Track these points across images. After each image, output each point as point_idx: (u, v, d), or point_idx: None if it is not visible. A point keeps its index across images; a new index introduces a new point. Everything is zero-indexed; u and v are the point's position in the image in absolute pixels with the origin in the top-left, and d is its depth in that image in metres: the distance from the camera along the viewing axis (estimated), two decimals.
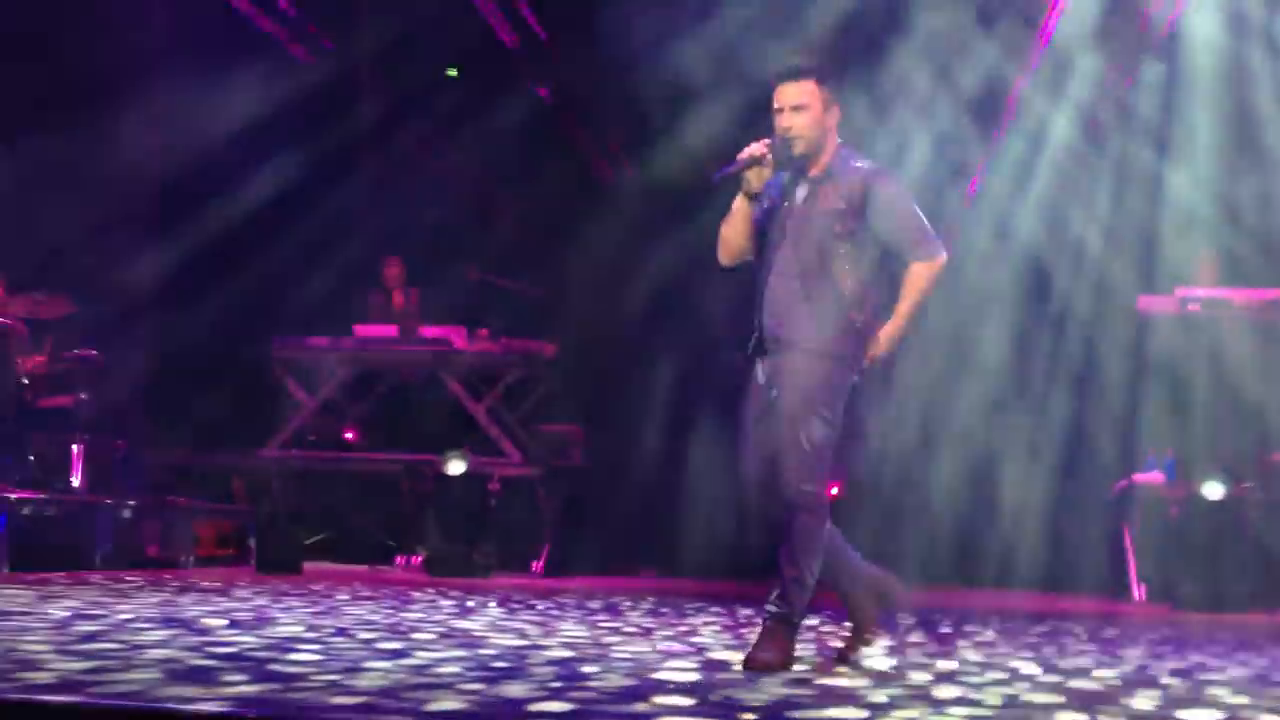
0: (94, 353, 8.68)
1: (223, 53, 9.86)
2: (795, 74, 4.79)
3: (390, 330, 9.81)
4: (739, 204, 4.84)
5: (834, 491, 10.23)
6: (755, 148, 4.74)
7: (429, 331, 9.78)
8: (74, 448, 8.45)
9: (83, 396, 8.57)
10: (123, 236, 9.68)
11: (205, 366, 9.92)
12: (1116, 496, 9.19)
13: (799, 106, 4.73)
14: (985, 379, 9.81)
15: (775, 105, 4.78)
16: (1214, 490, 8.53)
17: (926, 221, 4.79)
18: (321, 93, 10.35)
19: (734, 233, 4.88)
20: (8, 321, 8.37)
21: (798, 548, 4.63)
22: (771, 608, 4.69)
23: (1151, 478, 9.06)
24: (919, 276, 4.75)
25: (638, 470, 10.01)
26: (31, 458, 8.29)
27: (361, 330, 9.89)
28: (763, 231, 4.84)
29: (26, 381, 8.30)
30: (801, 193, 4.78)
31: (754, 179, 4.76)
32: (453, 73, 11.45)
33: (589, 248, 10.55)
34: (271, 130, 9.91)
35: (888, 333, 4.75)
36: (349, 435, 10.16)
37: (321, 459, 9.87)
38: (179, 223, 9.91)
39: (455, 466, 9.27)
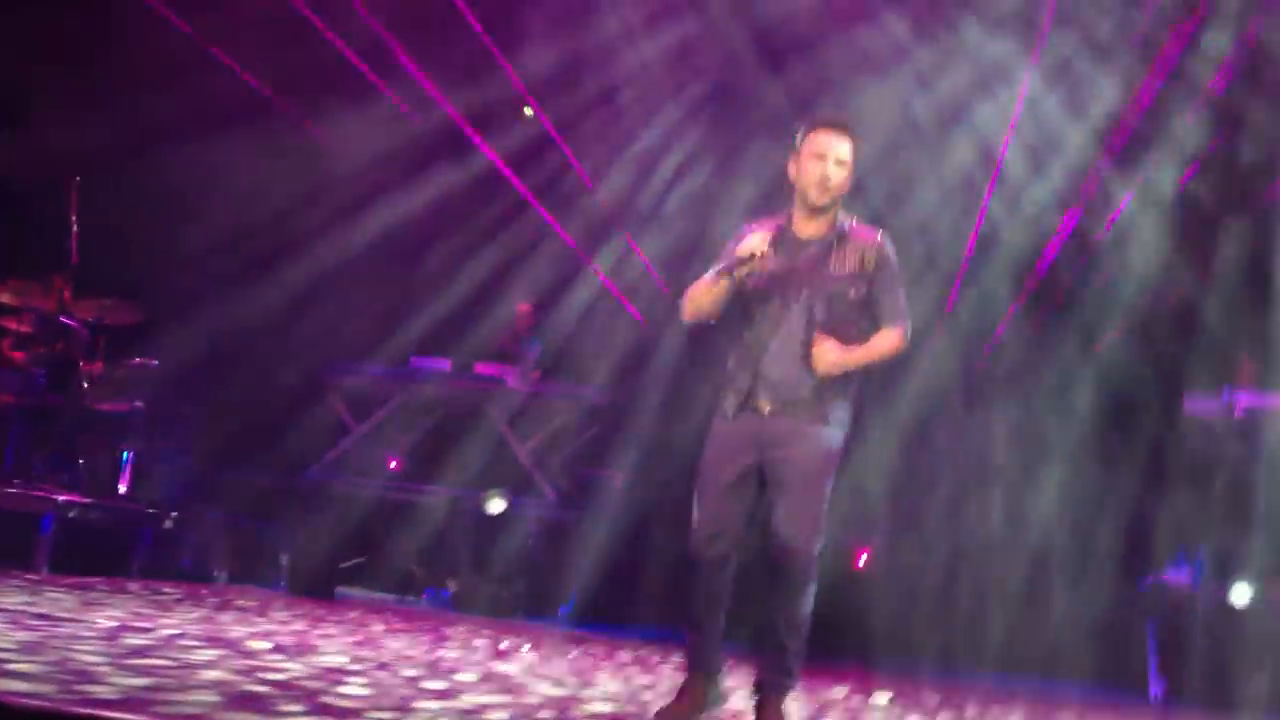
0: (154, 362, 8.77)
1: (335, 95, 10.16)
2: (848, 129, 4.72)
3: (443, 364, 9.87)
4: (724, 286, 4.63)
5: (862, 561, 10.29)
6: (759, 246, 4.57)
7: (482, 368, 9.84)
8: (124, 454, 8.54)
9: (138, 404, 8.67)
10: (209, 256, 9.85)
11: (261, 385, 10.02)
12: (1142, 592, 9.18)
13: (842, 162, 4.66)
14: (1053, 470, 9.87)
15: (818, 151, 4.65)
16: (1241, 594, 8.50)
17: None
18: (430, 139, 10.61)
19: (710, 305, 4.68)
20: (71, 324, 8.48)
21: (800, 613, 4.60)
22: (777, 679, 4.65)
23: (1179, 576, 9.03)
24: (890, 340, 4.68)
25: (668, 520, 10.03)
26: (82, 461, 8.37)
27: (416, 361, 9.97)
28: (756, 291, 4.67)
29: (85, 385, 8.39)
30: (811, 254, 4.67)
31: (747, 273, 4.62)
32: (529, 112, 11.59)
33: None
34: (380, 169, 10.19)
35: (841, 356, 4.60)
36: (393, 464, 10.22)
37: (363, 486, 9.92)
38: (269, 246, 10.14)
39: (494, 505, 9.32)
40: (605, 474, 10.27)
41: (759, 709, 4.70)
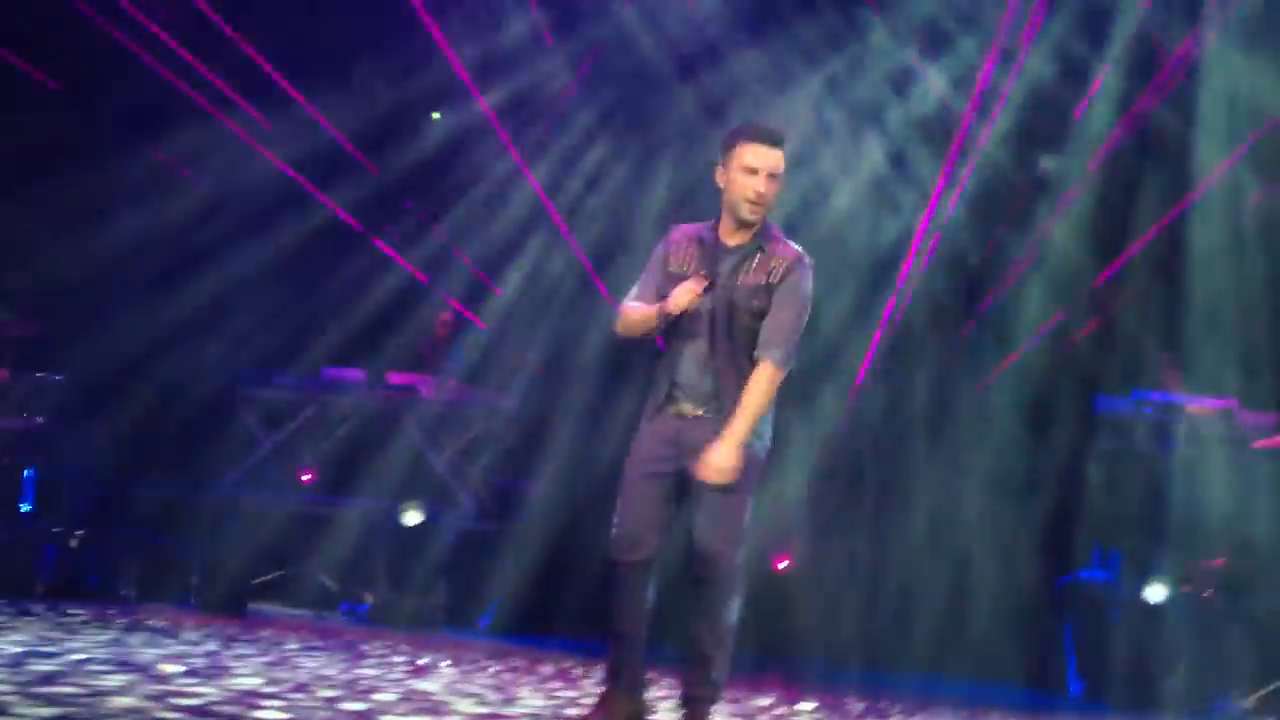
0: (57, 376, 8.55)
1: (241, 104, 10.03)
2: (779, 141, 4.63)
3: (357, 374, 9.71)
4: (657, 321, 4.62)
5: (783, 565, 10.28)
6: (691, 295, 4.54)
7: (396, 378, 9.70)
8: (25, 472, 8.30)
9: (39, 419, 8.44)
10: (113, 269, 9.65)
11: (166, 396, 9.81)
12: (1059, 592, 9.28)
13: (775, 175, 4.59)
14: (962, 469, 9.93)
15: (751, 164, 4.55)
16: (1156, 593, 8.60)
17: (799, 333, 4.64)
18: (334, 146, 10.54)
19: (642, 330, 4.68)
20: None
21: (725, 622, 4.56)
22: (702, 692, 4.61)
23: (1094, 575, 9.14)
24: (769, 379, 4.55)
25: (588, 530, 9.96)
26: None
27: (328, 371, 9.80)
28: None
29: None
30: (728, 263, 4.62)
31: (680, 307, 4.56)
32: (436, 116, 11.48)
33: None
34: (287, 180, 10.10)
35: (735, 441, 4.46)
36: (306, 477, 10.03)
37: (275, 499, 9.73)
38: (176, 258, 9.98)
39: (411, 517, 9.19)
40: (524, 483, 10.16)
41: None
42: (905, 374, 10.41)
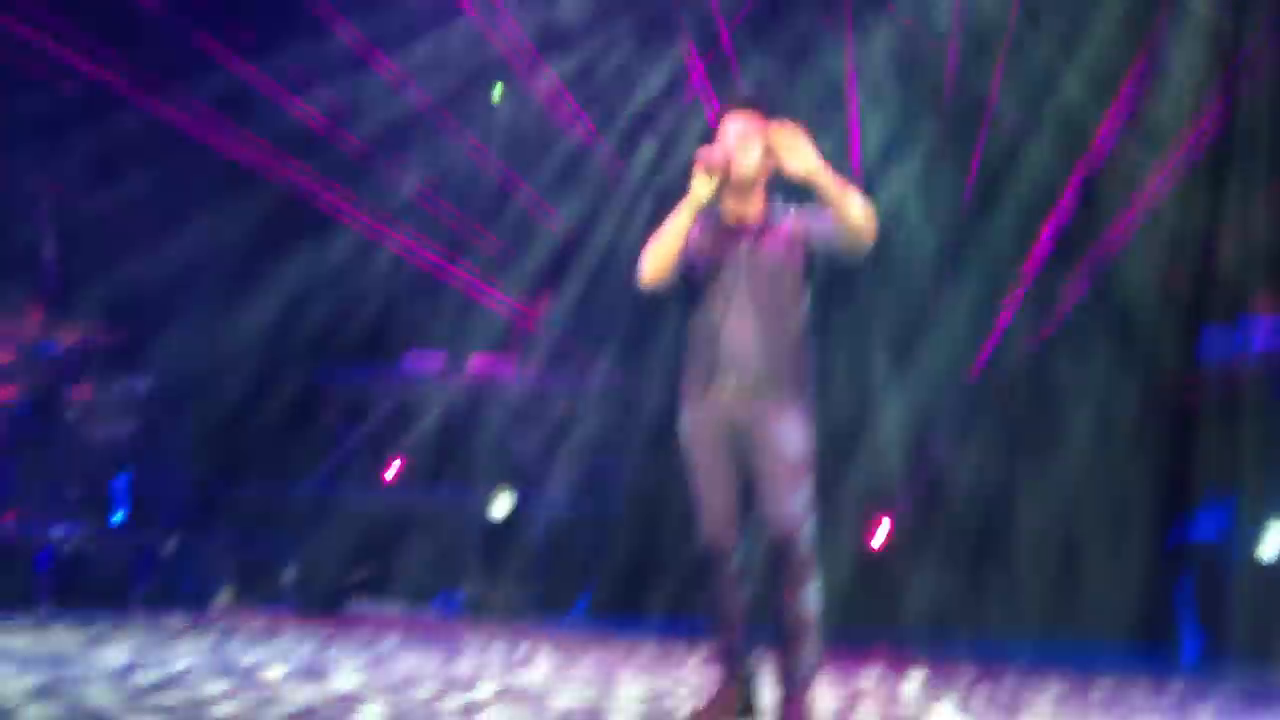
0: (142, 383, 8.59)
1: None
2: (747, 103, 4.70)
3: (437, 358, 9.66)
4: (686, 215, 4.56)
5: (882, 532, 10.11)
6: (721, 156, 4.58)
7: (477, 364, 9.64)
8: (118, 480, 8.36)
9: (129, 427, 8.48)
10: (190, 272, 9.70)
11: (250, 397, 9.84)
12: (1173, 548, 9.03)
13: (745, 135, 4.62)
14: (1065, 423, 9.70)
15: (722, 134, 4.66)
16: (1273, 546, 8.31)
17: None
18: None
19: (671, 248, 4.57)
20: (54, 350, 8.29)
21: (808, 597, 4.50)
22: (798, 668, 4.51)
23: (1209, 528, 8.88)
24: (860, 200, 4.53)
25: (678, 511, 9.86)
26: (76, 491, 8.19)
27: (409, 359, 9.77)
28: (703, 279, 4.63)
29: (74, 412, 8.21)
30: (745, 244, 4.63)
31: (708, 187, 4.55)
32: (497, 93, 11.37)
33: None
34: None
35: (827, 174, 4.45)
36: (393, 470, 10.02)
37: (364, 495, 9.73)
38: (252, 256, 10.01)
39: (501, 505, 9.15)
40: (612, 464, 10.07)
41: (784, 703, 4.55)
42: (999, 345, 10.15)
